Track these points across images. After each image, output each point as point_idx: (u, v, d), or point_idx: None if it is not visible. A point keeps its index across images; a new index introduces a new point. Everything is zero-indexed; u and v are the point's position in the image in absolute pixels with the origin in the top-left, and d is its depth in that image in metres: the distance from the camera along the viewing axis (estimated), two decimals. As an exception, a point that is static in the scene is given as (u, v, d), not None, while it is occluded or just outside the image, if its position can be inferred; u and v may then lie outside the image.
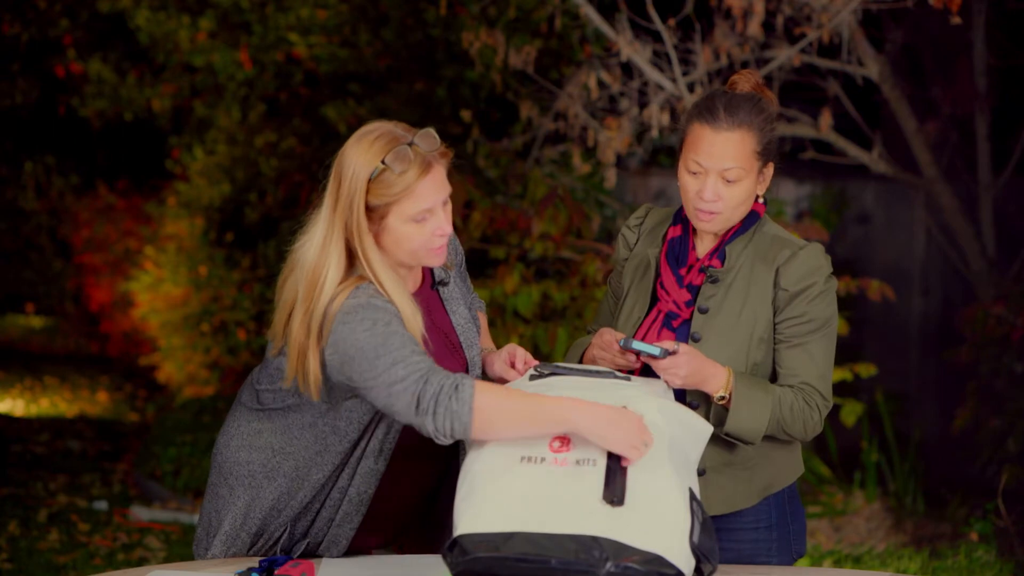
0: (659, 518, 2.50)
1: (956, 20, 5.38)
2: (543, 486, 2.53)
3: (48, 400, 10.81)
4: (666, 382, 2.78)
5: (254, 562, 2.82)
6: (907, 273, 7.10)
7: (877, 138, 6.41)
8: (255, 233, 9.02)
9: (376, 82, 8.01)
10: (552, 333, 5.65)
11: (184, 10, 8.82)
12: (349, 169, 2.70)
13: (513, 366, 2.91)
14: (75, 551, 6.02)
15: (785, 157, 6.95)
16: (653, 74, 5.86)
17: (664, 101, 5.88)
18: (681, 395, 2.87)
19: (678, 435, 2.65)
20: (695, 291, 2.90)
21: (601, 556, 2.44)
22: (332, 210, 2.73)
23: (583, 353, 2.98)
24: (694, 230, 2.95)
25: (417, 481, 2.96)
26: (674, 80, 5.86)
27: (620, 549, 2.45)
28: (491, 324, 5.64)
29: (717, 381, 2.79)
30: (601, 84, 6.18)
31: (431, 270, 2.93)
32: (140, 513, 6.77)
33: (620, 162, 6.51)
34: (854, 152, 6.28)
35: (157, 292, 10.26)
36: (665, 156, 7.60)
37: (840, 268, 6.76)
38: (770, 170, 2.89)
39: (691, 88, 5.90)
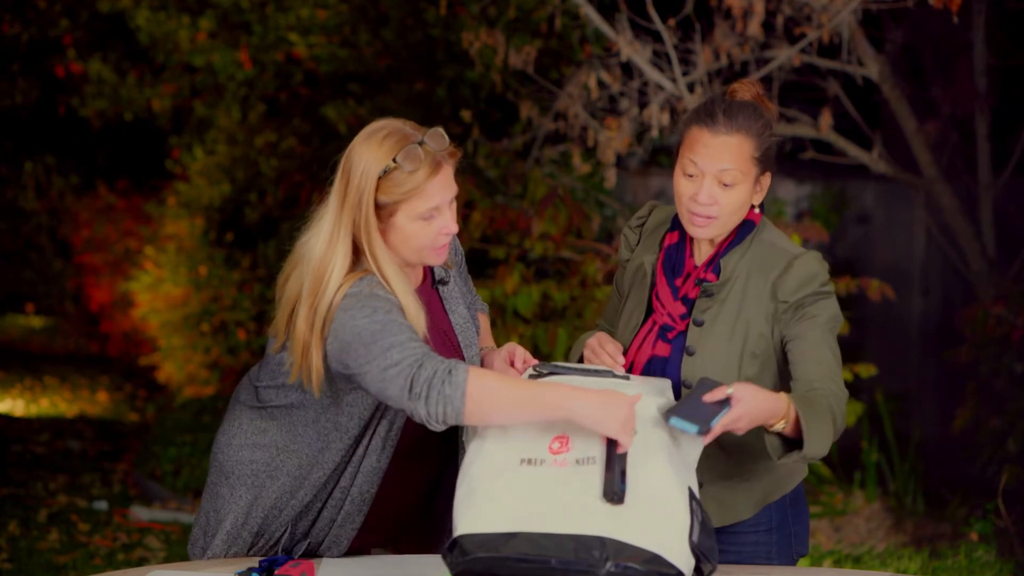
0: (659, 518, 2.50)
1: (956, 20, 5.38)
2: (543, 487, 2.53)
3: (48, 400, 10.80)
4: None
5: (254, 562, 2.82)
6: (907, 273, 7.10)
7: (877, 138, 6.41)
8: (255, 233, 9.02)
9: (376, 82, 8.02)
10: (552, 333, 5.65)
11: (184, 10, 8.82)
12: (359, 166, 2.71)
13: (512, 364, 2.91)
14: (75, 551, 6.02)
15: (785, 157, 6.98)
16: (653, 74, 5.86)
17: (664, 101, 5.88)
18: (680, 394, 2.87)
19: (677, 435, 2.65)
20: (690, 304, 2.88)
21: (601, 556, 2.44)
22: (339, 206, 2.73)
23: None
24: (692, 236, 2.93)
25: (416, 481, 2.96)
26: (674, 80, 5.86)
27: (620, 549, 2.45)
28: (491, 324, 5.63)
29: (778, 414, 2.66)
30: (601, 84, 6.18)
31: (431, 269, 2.94)
32: (140, 513, 6.77)
33: (620, 162, 6.51)
34: (854, 152, 6.28)
35: (157, 292, 10.26)
36: (665, 156, 7.60)
37: (840, 268, 6.82)
38: (767, 180, 2.87)
39: (691, 88, 5.90)
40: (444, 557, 2.51)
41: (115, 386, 11.59)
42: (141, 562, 5.85)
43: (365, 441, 2.82)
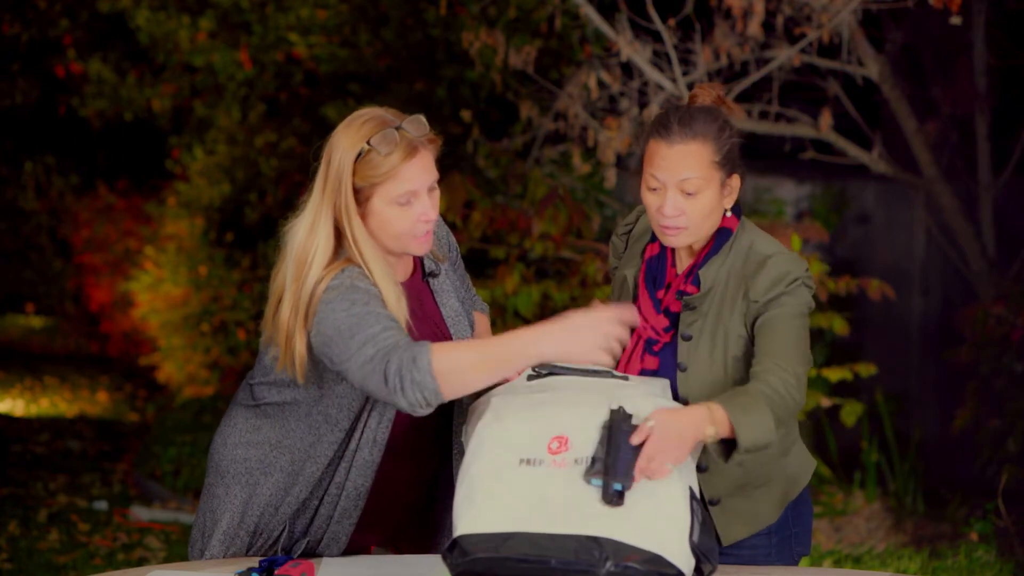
0: (659, 517, 2.50)
1: (956, 20, 5.38)
2: (542, 487, 2.53)
3: (48, 400, 10.80)
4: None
5: (254, 562, 2.82)
6: (907, 273, 7.10)
7: (877, 138, 6.41)
8: (255, 233, 9.02)
9: (376, 82, 8.01)
10: (552, 333, 5.64)
11: (184, 10, 8.82)
12: (337, 151, 2.75)
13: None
14: (75, 551, 6.02)
15: (785, 157, 6.97)
16: (653, 74, 5.86)
17: (664, 101, 5.87)
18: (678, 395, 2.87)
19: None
20: (672, 316, 2.86)
21: (601, 556, 2.44)
22: (321, 192, 2.77)
23: None
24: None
25: (412, 476, 2.96)
26: (674, 80, 5.86)
27: (620, 549, 2.45)
28: (491, 324, 5.63)
29: (701, 423, 2.60)
30: (601, 84, 6.18)
31: (421, 262, 2.94)
32: (140, 513, 6.77)
33: (620, 162, 6.51)
34: (854, 152, 6.28)
35: (157, 292, 10.25)
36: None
37: (840, 268, 6.82)
38: (736, 181, 2.84)
39: (691, 88, 5.90)
40: (444, 557, 2.51)
41: (115, 386, 11.58)
42: (141, 562, 5.85)
43: (356, 435, 2.83)
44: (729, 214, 2.87)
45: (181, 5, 8.82)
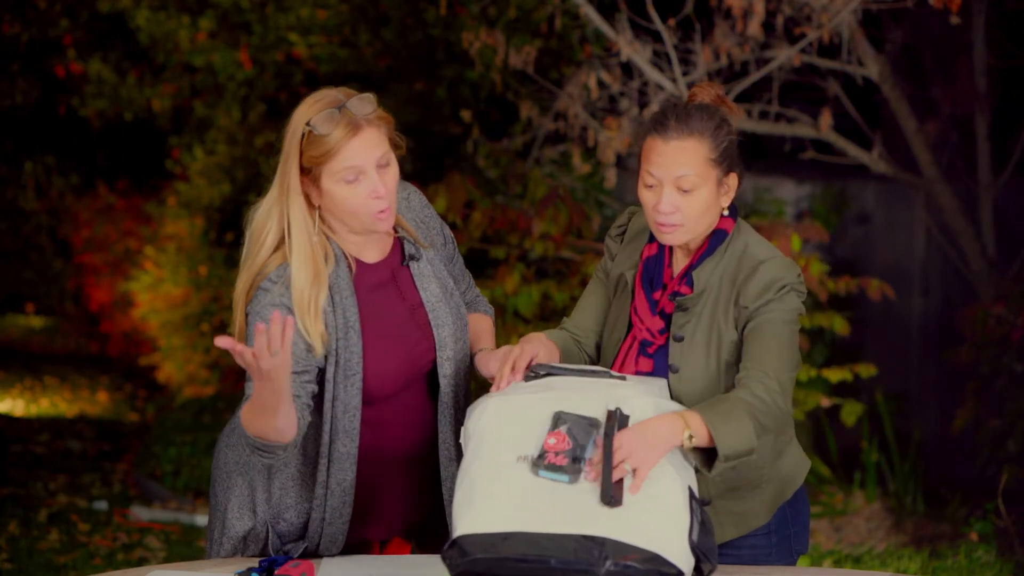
0: (658, 517, 2.50)
1: (956, 20, 5.38)
2: (541, 486, 2.53)
3: (48, 400, 10.80)
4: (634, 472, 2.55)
5: (254, 562, 2.83)
6: (907, 273, 7.09)
7: (877, 138, 6.41)
8: (255, 233, 9.00)
9: (376, 82, 8.01)
10: (552, 333, 5.64)
11: (184, 10, 8.82)
12: (288, 131, 2.83)
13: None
14: (75, 551, 6.02)
15: (785, 157, 6.96)
16: (653, 74, 5.86)
17: (664, 101, 5.87)
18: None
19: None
20: (667, 318, 2.86)
21: (600, 555, 2.44)
22: (277, 173, 2.84)
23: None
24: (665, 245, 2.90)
25: (403, 468, 2.95)
26: (674, 80, 5.86)
27: (619, 548, 2.45)
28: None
29: (676, 428, 2.59)
30: (601, 84, 6.18)
31: (402, 246, 2.94)
32: (140, 513, 6.77)
33: (620, 162, 6.50)
34: (854, 152, 6.28)
35: (157, 292, 10.25)
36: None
37: (840, 268, 6.82)
38: (733, 180, 2.83)
39: (691, 88, 5.90)
40: (443, 557, 2.51)
41: (115, 386, 11.58)
42: (141, 562, 5.85)
43: (327, 427, 2.83)
44: (726, 214, 2.86)
45: (181, 5, 8.82)
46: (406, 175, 2.93)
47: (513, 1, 6.89)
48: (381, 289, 2.90)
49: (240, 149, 9.09)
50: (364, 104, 2.79)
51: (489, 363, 2.93)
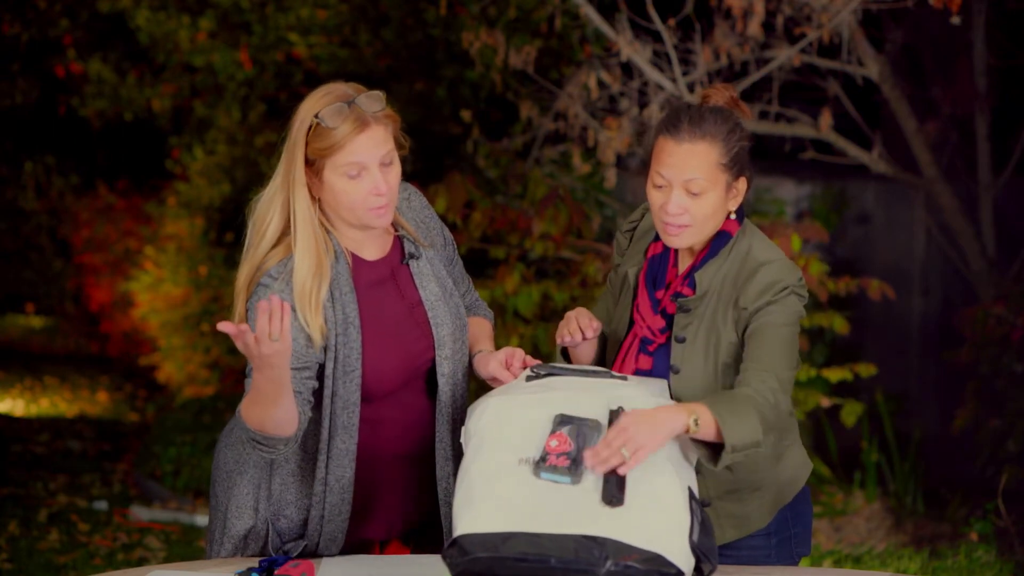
0: (659, 517, 2.50)
1: (956, 20, 5.38)
2: (542, 487, 2.53)
3: (48, 400, 10.80)
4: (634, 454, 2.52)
5: (254, 562, 2.83)
6: (907, 273, 7.09)
7: (877, 138, 6.41)
8: (255, 233, 9.00)
9: (376, 82, 7.97)
10: (552, 333, 5.64)
11: (184, 10, 8.82)
12: (295, 123, 2.83)
13: (509, 367, 2.91)
14: (75, 551, 6.02)
15: (785, 157, 6.96)
16: (653, 74, 5.86)
17: (664, 101, 5.88)
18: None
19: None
20: (669, 318, 2.86)
21: (601, 555, 2.44)
22: (282, 163, 2.85)
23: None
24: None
25: (401, 467, 2.95)
26: (674, 80, 5.86)
27: (620, 548, 2.45)
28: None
29: (677, 417, 2.57)
30: (601, 84, 6.18)
31: (401, 244, 2.94)
32: (140, 513, 6.77)
33: (620, 162, 6.51)
34: (854, 152, 6.28)
35: (157, 292, 10.25)
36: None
37: (840, 268, 6.82)
38: (742, 184, 2.83)
39: (691, 88, 5.90)
40: (444, 557, 2.51)
41: (115, 386, 11.58)
42: (141, 562, 5.85)
43: (326, 424, 2.83)
44: (733, 216, 2.86)
45: (181, 5, 8.82)
46: (406, 175, 2.94)
47: (513, 1, 6.89)
48: (380, 286, 2.90)
49: (240, 149, 9.09)
50: (373, 101, 2.80)
51: (488, 364, 2.93)
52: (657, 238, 2.93)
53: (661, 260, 2.91)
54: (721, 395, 2.69)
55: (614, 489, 2.50)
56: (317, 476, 2.85)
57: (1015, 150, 6.59)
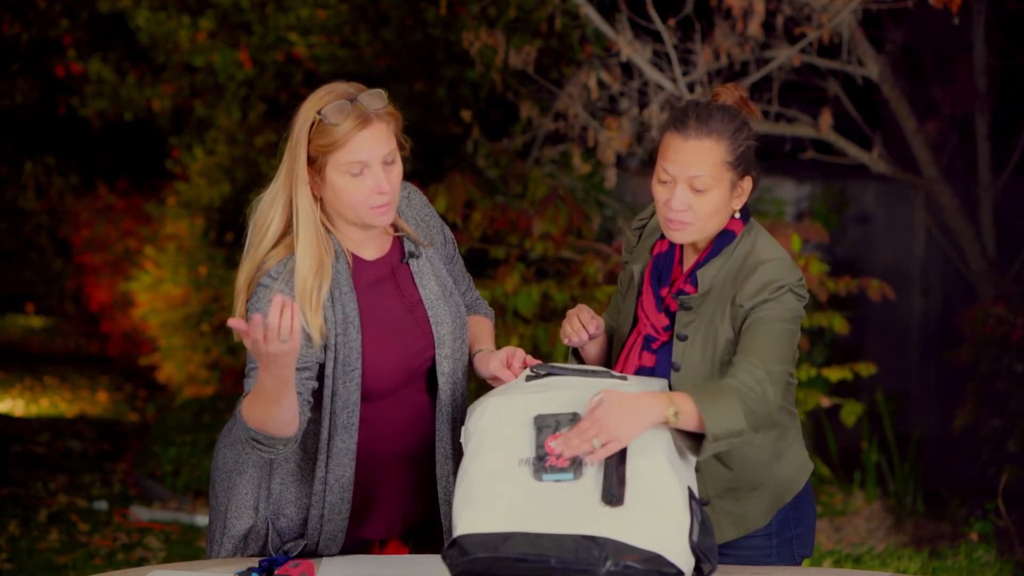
0: (659, 517, 2.50)
1: (956, 20, 5.38)
2: (542, 487, 2.53)
3: (48, 400, 10.80)
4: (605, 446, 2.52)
5: (254, 562, 2.83)
6: (907, 273, 7.09)
7: (877, 138, 6.41)
8: (255, 233, 9.00)
9: (376, 82, 7.97)
10: (552, 333, 5.66)
11: (184, 10, 8.82)
12: (297, 121, 2.83)
13: (510, 367, 2.91)
14: (75, 551, 6.02)
15: (785, 157, 6.96)
16: (653, 74, 5.86)
17: (664, 101, 5.88)
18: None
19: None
20: (672, 316, 2.86)
21: (600, 555, 2.44)
22: (284, 162, 2.85)
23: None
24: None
25: (401, 466, 2.95)
26: (674, 80, 5.86)
27: (620, 548, 2.44)
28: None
29: (658, 403, 2.56)
30: (601, 84, 6.18)
31: (401, 243, 2.94)
32: (140, 513, 6.77)
33: (620, 162, 6.51)
34: (854, 152, 6.28)
35: (157, 292, 10.25)
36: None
37: (840, 268, 6.82)
38: (747, 184, 2.83)
39: (691, 88, 5.90)
40: (443, 557, 2.51)
41: (115, 386, 11.58)
42: (141, 562, 5.85)
43: (326, 423, 2.83)
44: (737, 215, 2.86)
45: (181, 5, 8.83)
46: (406, 175, 2.94)
47: (513, 1, 6.89)
48: (380, 286, 2.90)
49: (240, 149, 9.09)
50: (375, 99, 2.81)
51: (489, 363, 2.93)
52: (663, 236, 2.93)
53: (666, 258, 2.92)
54: (705, 386, 2.70)
55: (614, 488, 2.50)
56: (317, 475, 2.85)
57: (1015, 150, 6.59)
